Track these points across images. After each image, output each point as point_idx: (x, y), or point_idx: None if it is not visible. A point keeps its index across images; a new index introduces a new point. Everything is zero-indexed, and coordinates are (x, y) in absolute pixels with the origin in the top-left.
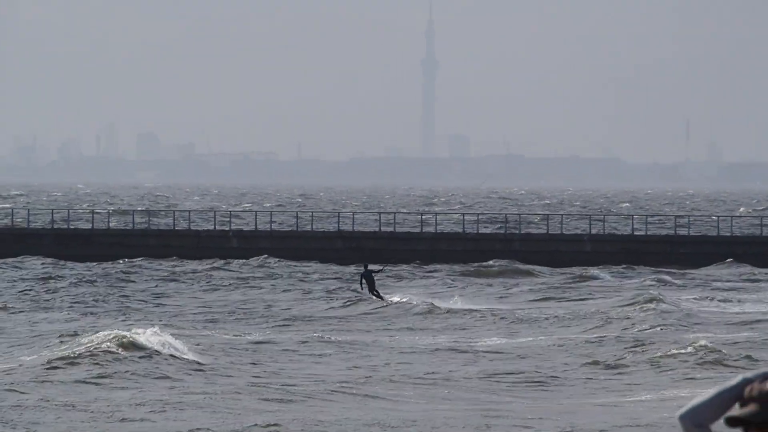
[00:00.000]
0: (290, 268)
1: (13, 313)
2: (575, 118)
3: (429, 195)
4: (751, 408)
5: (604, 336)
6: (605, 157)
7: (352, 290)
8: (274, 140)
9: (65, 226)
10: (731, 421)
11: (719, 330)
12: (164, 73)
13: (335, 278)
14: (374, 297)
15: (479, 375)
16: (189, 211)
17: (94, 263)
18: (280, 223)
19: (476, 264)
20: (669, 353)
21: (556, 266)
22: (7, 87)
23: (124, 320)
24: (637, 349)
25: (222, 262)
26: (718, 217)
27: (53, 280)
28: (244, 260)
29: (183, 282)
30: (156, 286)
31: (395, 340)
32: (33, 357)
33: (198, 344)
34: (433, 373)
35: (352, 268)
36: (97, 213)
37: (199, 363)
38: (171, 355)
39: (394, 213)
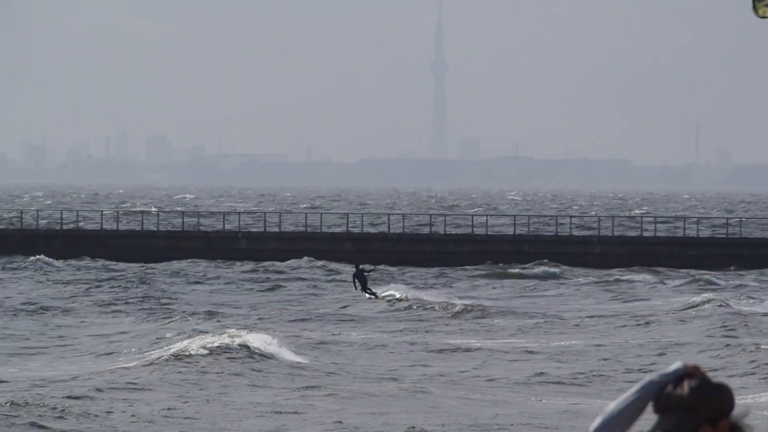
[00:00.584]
0: (329, 270)
1: (84, 315)
2: (584, 121)
3: (450, 197)
4: (672, 418)
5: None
6: (614, 159)
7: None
8: (283, 142)
9: (74, 227)
10: None
11: None
12: (174, 76)
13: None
14: (368, 295)
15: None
16: (197, 213)
17: (116, 262)
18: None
19: (518, 266)
20: None
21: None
22: (17, 90)
23: (219, 322)
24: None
25: (258, 264)
26: (727, 219)
27: (106, 282)
28: (284, 261)
29: (236, 283)
30: (190, 286)
31: (491, 342)
32: (150, 357)
33: (299, 344)
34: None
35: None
36: (107, 213)
37: (303, 363)
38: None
39: (403, 214)
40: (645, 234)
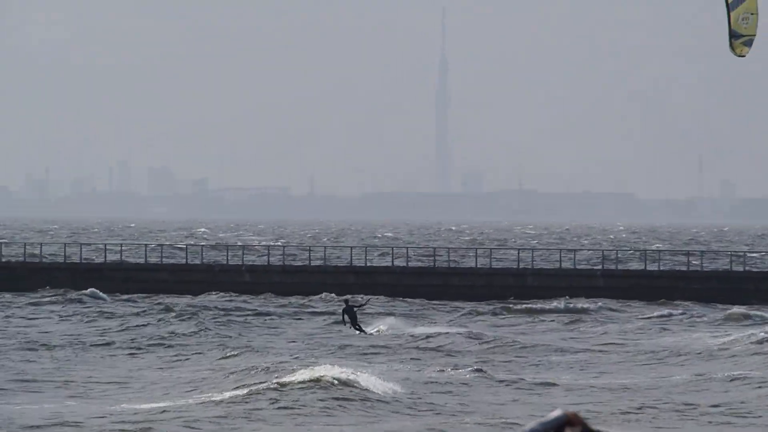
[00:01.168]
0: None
1: (152, 350)
2: (589, 154)
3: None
4: None
5: None
6: (619, 192)
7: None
8: (287, 175)
9: (78, 260)
10: None
11: None
12: (178, 108)
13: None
14: (357, 331)
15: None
16: (201, 246)
17: (139, 294)
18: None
19: (535, 301)
20: None
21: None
22: (20, 121)
23: (297, 358)
24: None
25: (270, 296)
26: (731, 253)
27: (156, 316)
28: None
29: (273, 317)
30: (226, 320)
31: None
32: (249, 394)
33: (387, 377)
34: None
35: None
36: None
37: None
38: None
39: (406, 247)
40: (650, 267)
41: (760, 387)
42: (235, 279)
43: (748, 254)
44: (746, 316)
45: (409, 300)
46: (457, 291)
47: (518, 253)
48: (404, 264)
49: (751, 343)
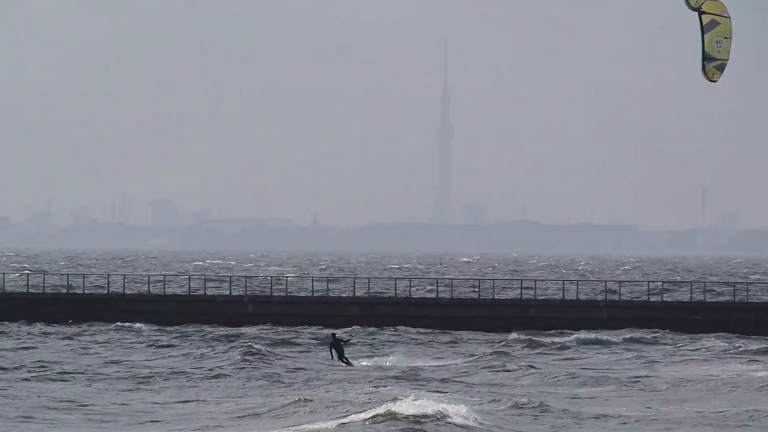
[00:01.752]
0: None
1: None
2: (590, 185)
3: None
4: None
5: None
6: (620, 224)
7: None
8: (288, 207)
9: (81, 291)
10: None
11: None
12: (178, 140)
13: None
14: (344, 364)
15: None
16: (204, 277)
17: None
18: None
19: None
20: None
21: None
22: (21, 154)
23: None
24: None
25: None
26: (734, 284)
27: (208, 348)
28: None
29: (296, 346)
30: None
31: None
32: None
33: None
34: None
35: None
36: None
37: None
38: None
39: (410, 278)
40: (652, 299)
41: None
42: (239, 310)
43: None
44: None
45: (422, 330)
46: (461, 321)
47: (521, 284)
48: (407, 295)
49: None
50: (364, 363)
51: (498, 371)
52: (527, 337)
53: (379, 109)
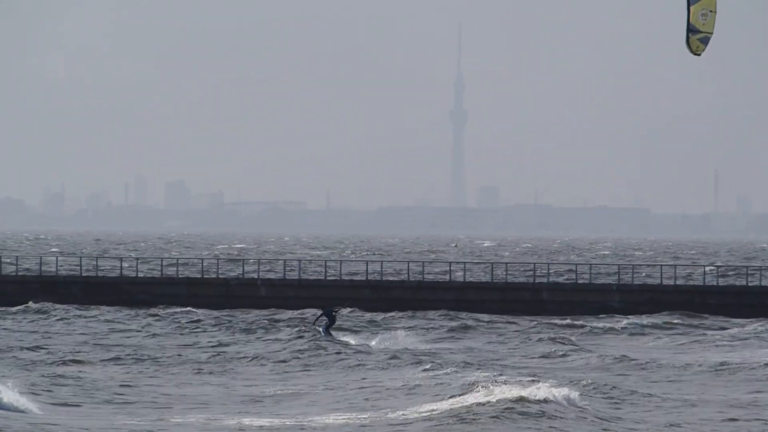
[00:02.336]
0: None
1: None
2: (604, 169)
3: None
4: None
5: None
6: (634, 207)
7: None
8: (303, 190)
9: (94, 274)
10: None
11: None
12: (193, 123)
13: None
14: (321, 333)
15: None
16: (217, 259)
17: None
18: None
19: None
20: None
21: (587, 315)
22: (37, 137)
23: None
24: None
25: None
26: (747, 267)
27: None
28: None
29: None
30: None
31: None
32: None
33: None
34: None
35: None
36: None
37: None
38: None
39: (423, 262)
40: (665, 283)
41: None
42: (252, 294)
43: None
44: None
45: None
46: (474, 304)
47: (534, 267)
48: (420, 278)
49: None
50: (373, 344)
51: (553, 356)
52: (575, 321)
53: (394, 92)
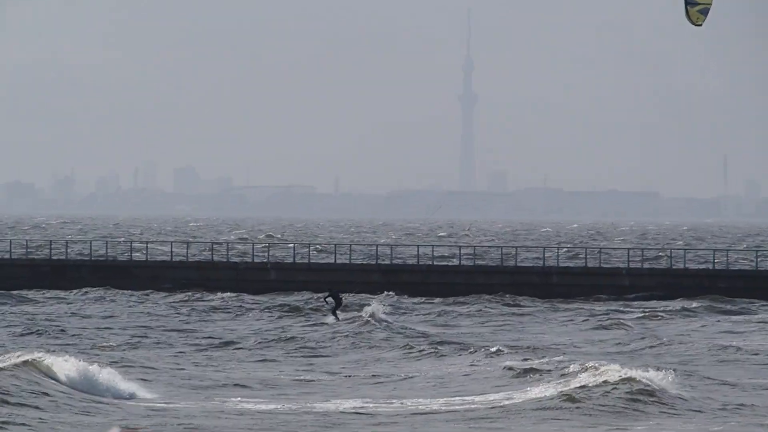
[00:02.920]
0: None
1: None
2: (613, 152)
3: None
4: None
5: None
6: (643, 191)
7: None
8: (312, 174)
9: (104, 258)
10: None
11: None
12: (202, 109)
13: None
14: (332, 316)
15: None
16: (227, 243)
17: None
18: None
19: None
20: None
21: (594, 298)
22: (47, 121)
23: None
24: None
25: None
26: (757, 250)
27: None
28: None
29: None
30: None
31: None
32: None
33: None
34: None
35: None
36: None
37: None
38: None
39: (432, 246)
40: (675, 267)
41: None
42: (262, 278)
43: None
44: None
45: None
46: (483, 288)
47: (543, 252)
48: (429, 262)
49: None
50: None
51: (611, 341)
52: (616, 307)
53: (403, 76)
